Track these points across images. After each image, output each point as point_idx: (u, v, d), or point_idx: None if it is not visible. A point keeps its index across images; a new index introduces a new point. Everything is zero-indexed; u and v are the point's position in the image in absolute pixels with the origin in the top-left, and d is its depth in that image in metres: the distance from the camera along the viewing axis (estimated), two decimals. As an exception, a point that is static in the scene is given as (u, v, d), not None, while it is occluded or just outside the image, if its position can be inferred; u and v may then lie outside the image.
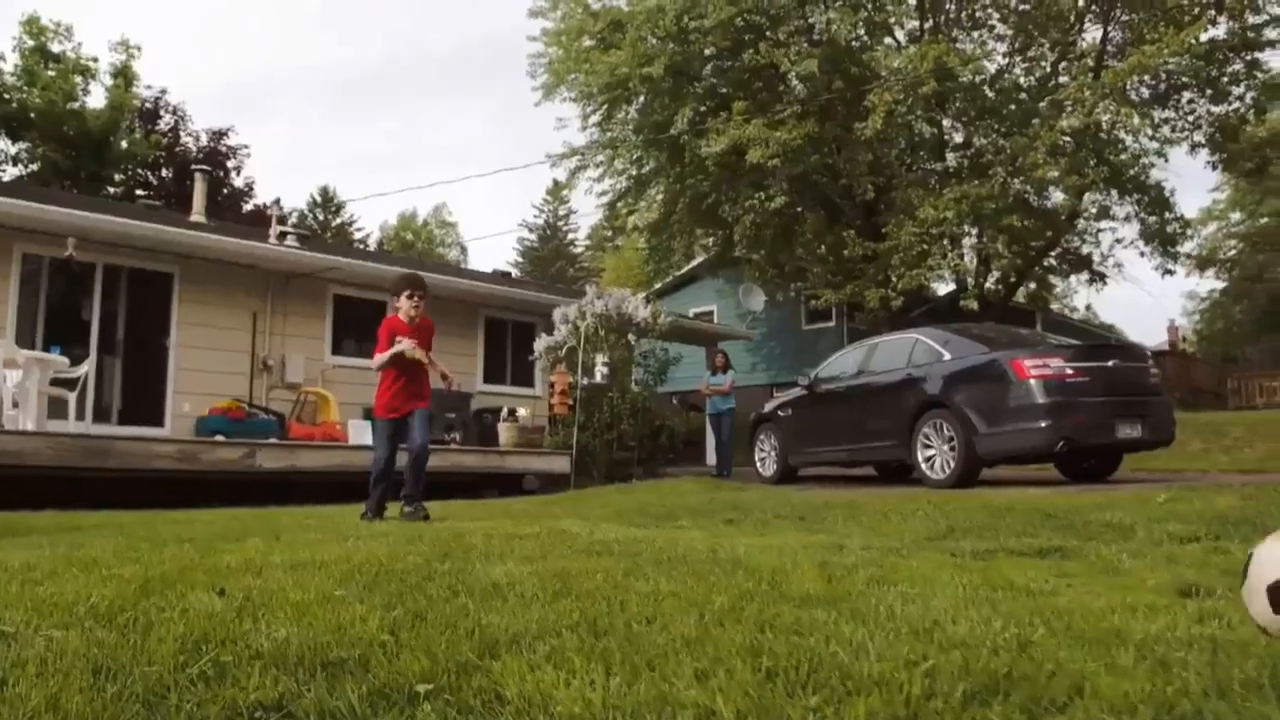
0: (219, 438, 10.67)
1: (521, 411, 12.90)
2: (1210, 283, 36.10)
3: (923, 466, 9.84)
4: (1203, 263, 31.20)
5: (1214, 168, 20.64)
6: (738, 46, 20.01)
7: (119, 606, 2.29)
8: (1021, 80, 21.62)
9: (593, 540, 4.27)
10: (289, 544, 4.11)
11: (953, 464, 9.48)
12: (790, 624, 2.17)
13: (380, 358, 6.24)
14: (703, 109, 20.46)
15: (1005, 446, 9.21)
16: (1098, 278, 22.78)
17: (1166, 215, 20.79)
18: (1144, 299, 71.72)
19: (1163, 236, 20.78)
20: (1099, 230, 22.41)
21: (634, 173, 22.83)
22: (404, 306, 6.34)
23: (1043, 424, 8.88)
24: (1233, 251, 34.87)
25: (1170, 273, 21.11)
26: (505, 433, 12.22)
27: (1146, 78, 18.82)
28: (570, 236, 59.23)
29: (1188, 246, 23.50)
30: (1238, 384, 25.81)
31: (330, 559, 3.39)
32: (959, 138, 21.84)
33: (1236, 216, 34.87)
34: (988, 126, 20.15)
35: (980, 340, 10.21)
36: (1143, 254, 21.21)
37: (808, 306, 25.14)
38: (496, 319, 15.65)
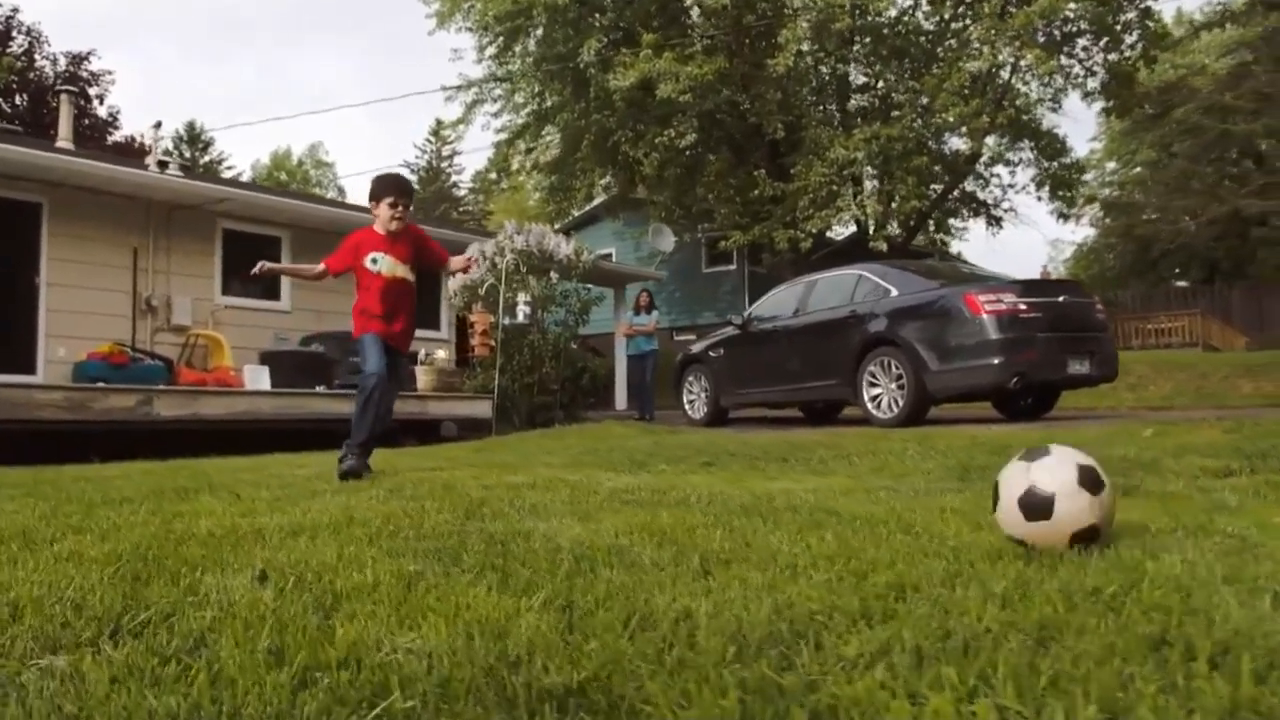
0: (100, 385, 9.55)
1: (441, 353, 12.08)
2: (1084, 230, 37.53)
3: (869, 405, 9.58)
4: (1083, 210, 32.25)
5: (1108, 115, 21.04)
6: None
7: (123, 607, 1.60)
8: (924, 24, 21.53)
9: (616, 489, 3.69)
10: (252, 503, 3.40)
11: (901, 402, 9.23)
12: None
13: (296, 265, 5.46)
14: (608, 41, 19.63)
15: (957, 384, 9.00)
16: (994, 221, 23.14)
17: (1062, 161, 21.21)
18: (1011, 245, 74.45)
19: (1057, 181, 21.21)
20: (993, 175, 22.81)
21: (535, 108, 21.84)
22: (382, 215, 5.10)
23: (996, 360, 8.68)
24: (1096, 200, 36.12)
25: (1066, 217, 21.58)
26: (424, 376, 11.39)
27: (1043, 24, 18.92)
28: (454, 179, 57.32)
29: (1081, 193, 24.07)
30: (1115, 326, 26.85)
31: (330, 520, 2.74)
32: (869, 79, 21.65)
33: (1112, 166, 36.21)
34: (897, 67, 19.99)
35: (926, 275, 9.96)
36: (1039, 199, 21.60)
37: (709, 249, 24.79)
38: (400, 258, 14.66)
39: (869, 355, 9.58)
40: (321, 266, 5.32)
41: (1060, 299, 9.23)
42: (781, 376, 10.71)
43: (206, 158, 43.57)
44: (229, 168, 45.27)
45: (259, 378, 11.21)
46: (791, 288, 11.57)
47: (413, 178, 56.41)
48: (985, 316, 8.75)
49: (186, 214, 11.85)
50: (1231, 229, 25.66)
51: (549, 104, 21.66)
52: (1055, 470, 2.19)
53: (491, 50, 21.28)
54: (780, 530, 2.45)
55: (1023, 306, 8.80)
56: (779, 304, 11.40)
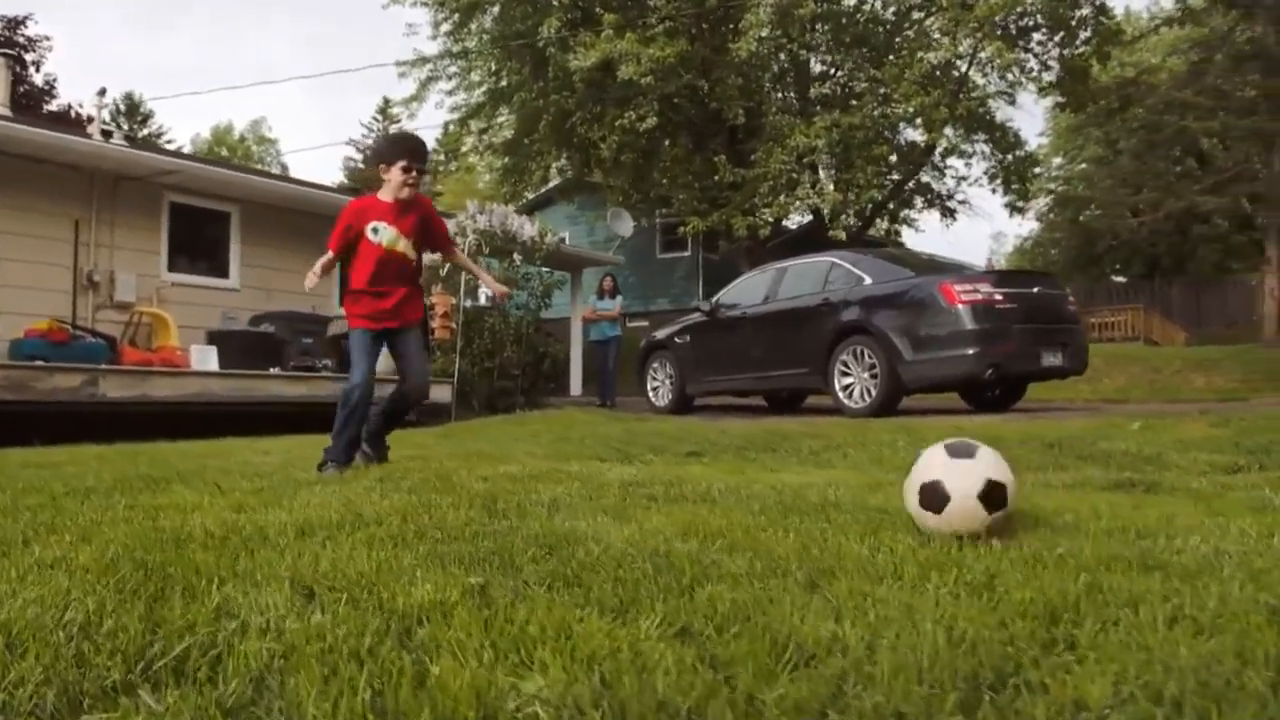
0: (40, 364, 9.03)
1: (399, 336, 11.66)
2: (1029, 224, 38.05)
3: (840, 395, 9.45)
4: (1030, 204, 32.68)
5: (1063, 109, 21.24)
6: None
7: (146, 635, 1.31)
8: (881, 12, 21.47)
9: (624, 482, 3.46)
10: (235, 495, 3.10)
11: (873, 392, 9.12)
12: None
13: (319, 262, 4.42)
14: (568, 20, 19.25)
15: (931, 374, 8.91)
16: (948, 213, 23.26)
17: (1016, 154, 21.37)
18: (960, 237, 75.30)
19: (1010, 173, 21.36)
20: (948, 167, 22.92)
21: (491, 86, 21.37)
22: (394, 179, 4.42)
23: (971, 351, 8.61)
24: (1049, 195, 36.68)
25: (1019, 210, 21.75)
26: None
27: (998, 18, 18.96)
28: (401, 159, 56.07)
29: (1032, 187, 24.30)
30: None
31: (337, 518, 2.46)
32: (829, 67, 21.56)
33: (1058, 161, 36.74)
34: (858, 56, 19.92)
35: (899, 264, 9.86)
36: (993, 191, 21.74)
37: (664, 235, 24.58)
38: (354, 236, 14.17)
39: (841, 344, 9.45)
40: (329, 253, 4.54)
41: (1035, 290, 9.21)
42: (750, 364, 10.54)
43: (145, 130, 42.04)
44: (168, 141, 43.76)
45: (206, 358, 10.74)
46: (761, 274, 11.39)
47: (358, 156, 55.26)
48: (961, 306, 8.67)
49: (132, 186, 11.27)
50: (1173, 226, 26.17)
51: (505, 83, 21.20)
52: (966, 475, 2.27)
53: (447, 26, 20.77)
54: (844, 533, 2.24)
55: (998, 297, 8.74)
56: (748, 290, 11.21)
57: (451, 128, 22.65)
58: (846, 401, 9.37)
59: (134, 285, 11.31)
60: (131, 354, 10.74)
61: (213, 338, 11.19)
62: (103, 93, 12.03)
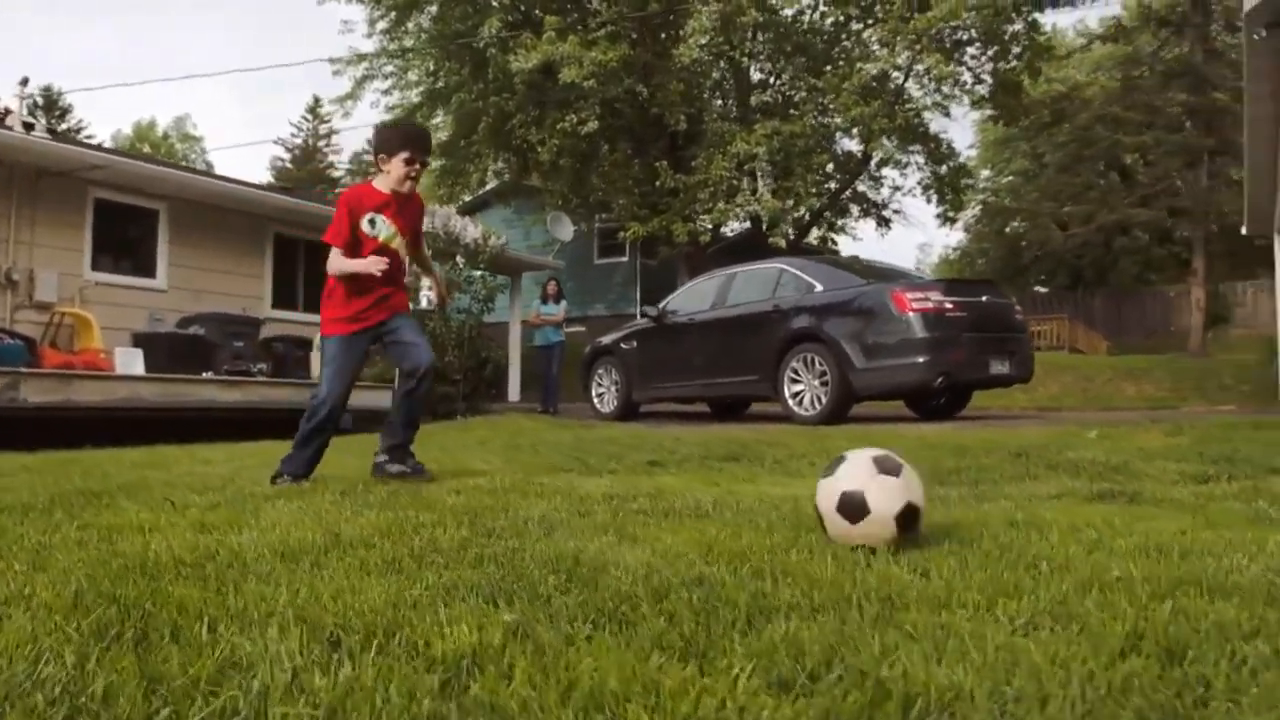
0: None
1: (338, 340, 11.28)
2: (956, 235, 38.86)
3: (790, 402, 9.40)
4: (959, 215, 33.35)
5: (996, 122, 21.65)
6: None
7: (147, 697, 1.08)
8: (820, 24, 21.64)
9: (606, 495, 3.29)
10: (191, 512, 2.86)
11: (823, 399, 9.09)
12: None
13: (342, 263, 4.02)
14: (509, 21, 18.99)
15: (882, 382, 8.91)
16: (884, 222, 23.56)
17: (950, 165, 21.71)
18: (890, 245, 76.63)
19: (944, 184, 21.69)
20: (883, 177, 23.23)
21: (428, 86, 20.99)
22: (395, 171, 4.06)
23: (923, 359, 8.63)
24: (979, 206, 37.51)
25: (951, 220, 22.10)
26: (320, 364, 10.62)
27: (936, 30, 19.24)
28: (331, 159, 55.03)
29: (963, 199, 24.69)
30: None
31: (317, 539, 2.24)
32: (768, 76, 21.67)
33: (986, 174, 37.55)
34: (799, 65, 20.04)
35: (849, 271, 9.86)
36: (929, 201, 22.06)
37: (602, 240, 24.44)
38: (288, 237, 13.69)
39: (792, 351, 9.40)
40: (335, 249, 4.07)
41: (983, 299, 9.28)
42: (699, 371, 10.44)
43: (64, 125, 40.43)
44: (89, 137, 42.20)
45: (131, 361, 10.25)
46: (709, 280, 11.30)
47: (285, 157, 54.03)
48: (912, 314, 8.68)
49: (54, 181, 10.71)
50: (1103, 239, 26.91)
51: (442, 84, 20.86)
52: (891, 494, 2.30)
53: (383, 24, 20.36)
54: (869, 552, 2.11)
55: (949, 305, 8.78)
56: (696, 296, 11.12)
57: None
58: (796, 409, 9.32)
59: (55, 284, 10.75)
60: (52, 356, 10.20)
61: (138, 340, 10.71)
62: (25, 82, 11.42)
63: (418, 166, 4.11)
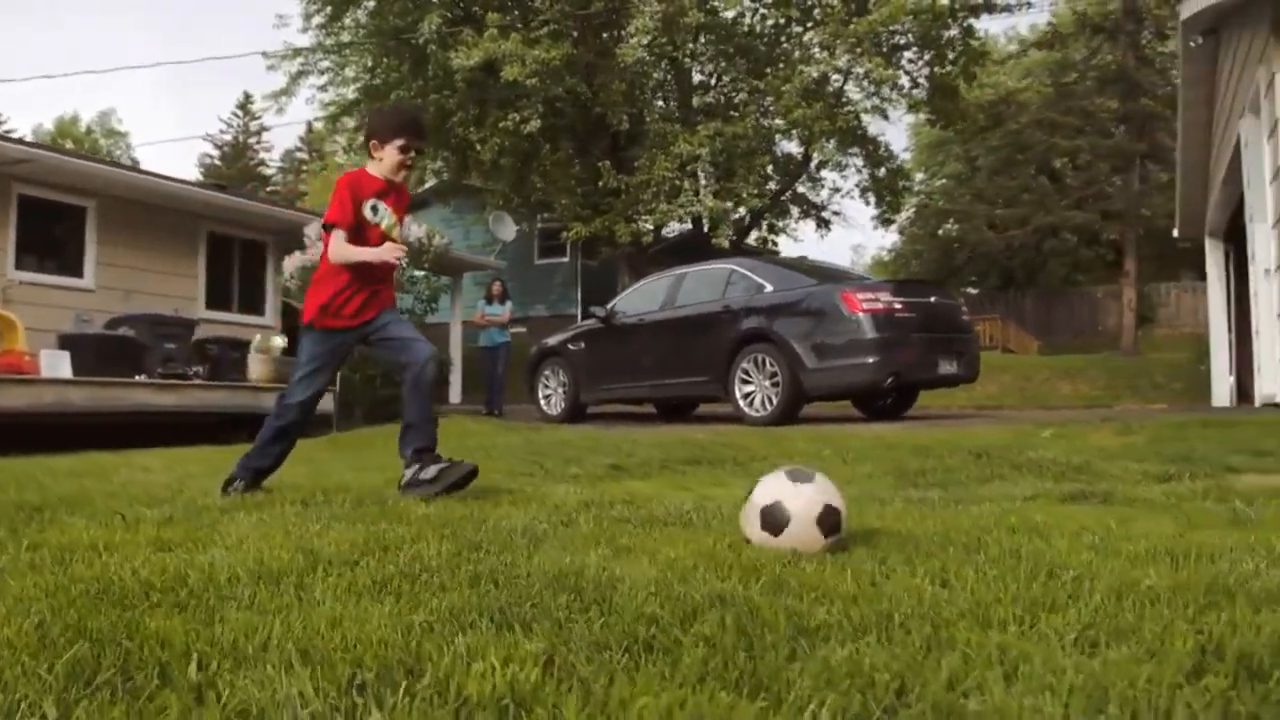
0: None
1: (278, 340, 10.97)
2: (891, 236, 39.37)
3: (741, 403, 9.37)
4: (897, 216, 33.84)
5: (932, 125, 21.97)
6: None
7: None
8: (758, 26, 21.73)
9: (581, 503, 3.19)
10: (144, 527, 2.67)
11: (774, 400, 9.07)
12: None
13: (346, 251, 3.73)
14: (449, 18, 18.70)
15: (833, 382, 8.93)
16: (823, 224, 23.77)
17: (889, 167, 21.98)
18: (830, 247, 77.52)
19: (882, 186, 21.96)
20: (821, 179, 23.44)
21: (366, 83, 20.58)
22: (388, 160, 3.83)
23: (872, 359, 8.65)
24: (913, 209, 38.08)
25: (889, 222, 22.37)
26: (259, 366, 10.29)
27: (874, 33, 19.44)
28: (262, 156, 53.76)
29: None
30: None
31: (292, 558, 2.09)
32: (709, 77, 21.69)
33: (920, 176, 38.13)
34: (741, 66, 20.10)
35: (799, 272, 9.86)
36: (867, 203, 22.31)
37: (543, 241, 24.23)
38: (222, 235, 13.28)
39: (742, 351, 9.37)
40: (340, 233, 3.76)
41: (931, 299, 9.35)
42: (649, 372, 10.35)
43: (-24, 118, 38.86)
44: (9, 131, 40.59)
45: (58, 364, 9.80)
46: (658, 280, 11.23)
47: (214, 154, 52.65)
48: (862, 315, 8.71)
49: (-26, 176, 10.22)
50: (1036, 240, 27.50)
51: (380, 80, 20.46)
52: (807, 500, 2.37)
53: (319, 19, 19.92)
54: (881, 562, 2.03)
55: (898, 306, 8.83)
56: (645, 297, 11.03)
57: (317, 125, 21.76)
58: (747, 410, 9.29)
59: (-25, 284, 10.26)
60: (-28, 360, 9.73)
61: (65, 342, 10.24)
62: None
63: (412, 154, 3.89)
